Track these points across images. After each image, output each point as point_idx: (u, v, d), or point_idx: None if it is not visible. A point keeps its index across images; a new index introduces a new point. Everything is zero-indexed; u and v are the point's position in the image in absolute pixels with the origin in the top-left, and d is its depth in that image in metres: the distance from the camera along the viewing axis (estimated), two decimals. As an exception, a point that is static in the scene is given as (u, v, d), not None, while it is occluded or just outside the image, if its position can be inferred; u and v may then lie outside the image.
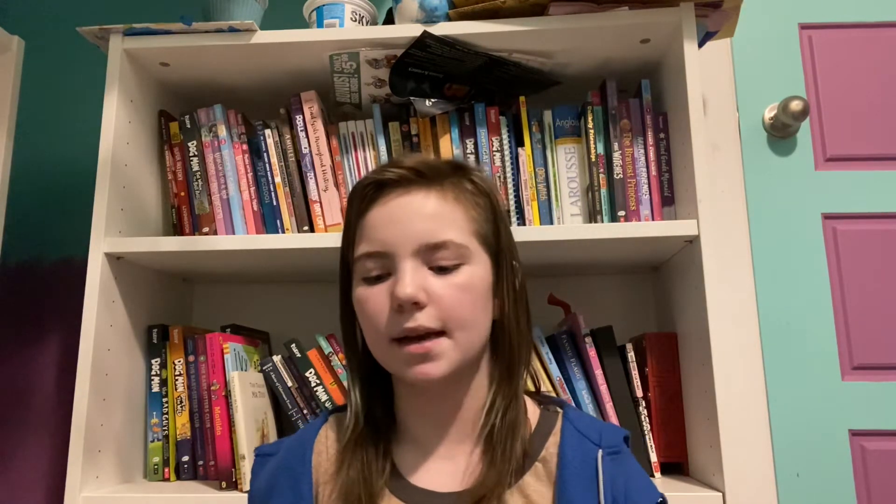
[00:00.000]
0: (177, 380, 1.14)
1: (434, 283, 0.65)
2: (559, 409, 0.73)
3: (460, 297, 0.65)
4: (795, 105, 1.27)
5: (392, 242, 0.65)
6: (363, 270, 0.67)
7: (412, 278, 0.64)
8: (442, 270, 0.65)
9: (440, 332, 0.64)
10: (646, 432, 1.06)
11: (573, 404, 1.06)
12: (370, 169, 1.14)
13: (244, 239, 1.07)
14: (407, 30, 1.08)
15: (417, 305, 0.63)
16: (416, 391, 0.70)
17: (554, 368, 1.06)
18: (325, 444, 0.72)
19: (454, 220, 0.67)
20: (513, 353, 0.70)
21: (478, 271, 0.67)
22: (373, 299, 0.66)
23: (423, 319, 0.63)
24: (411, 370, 0.65)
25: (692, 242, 1.03)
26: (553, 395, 1.05)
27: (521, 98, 1.14)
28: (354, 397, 0.72)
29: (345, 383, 1.07)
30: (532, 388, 0.77)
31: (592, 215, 1.11)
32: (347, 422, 0.71)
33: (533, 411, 0.73)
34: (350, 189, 1.12)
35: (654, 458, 1.06)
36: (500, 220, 0.72)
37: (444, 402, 0.70)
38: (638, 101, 1.12)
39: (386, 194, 0.68)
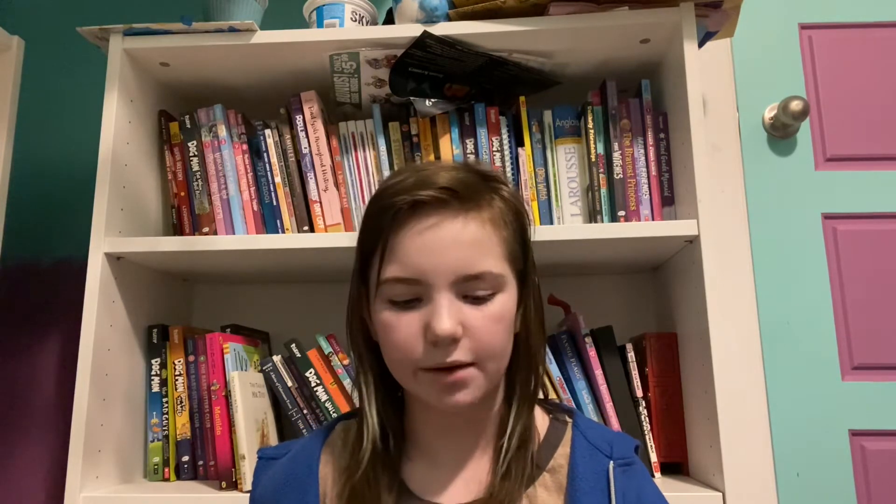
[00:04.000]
0: (177, 380, 1.14)
1: (469, 314, 0.63)
2: (568, 419, 0.72)
3: (495, 329, 0.64)
4: (795, 105, 1.27)
5: (428, 272, 0.62)
6: (391, 293, 0.64)
7: (450, 313, 0.61)
8: (476, 300, 0.63)
9: (472, 363, 0.63)
10: (646, 432, 1.06)
11: (573, 405, 1.06)
12: (370, 169, 1.14)
13: (244, 239, 1.07)
14: (407, 30, 1.08)
15: (454, 340, 0.62)
16: (433, 409, 0.68)
17: (554, 368, 1.06)
18: (333, 456, 0.71)
19: (491, 248, 0.64)
20: (531, 369, 0.69)
21: (508, 297, 0.65)
22: (402, 328, 0.63)
23: (459, 354, 0.62)
24: (442, 399, 0.63)
25: (692, 242, 1.03)
26: (553, 398, 1.05)
27: (521, 98, 1.14)
28: (371, 419, 0.69)
29: (345, 383, 1.07)
30: (540, 396, 0.76)
31: (592, 215, 1.11)
32: (365, 443, 0.68)
33: (541, 420, 0.72)
34: (348, 192, 1.13)
35: (654, 458, 1.06)
36: (528, 236, 0.70)
37: (463, 417, 0.68)
38: (638, 101, 1.12)
39: (420, 217, 0.64)
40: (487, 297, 0.64)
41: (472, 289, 0.63)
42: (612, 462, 0.67)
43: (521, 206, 0.70)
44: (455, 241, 0.63)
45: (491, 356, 0.64)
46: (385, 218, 0.65)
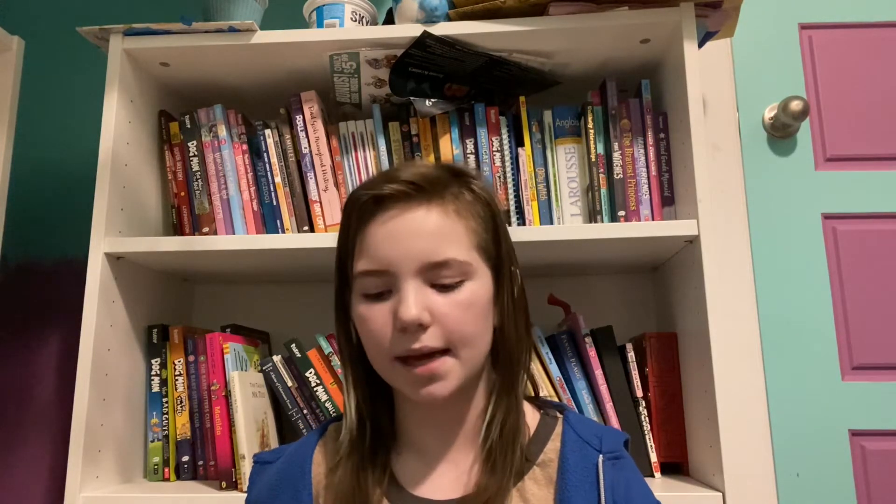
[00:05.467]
0: (177, 380, 1.14)
1: (437, 301, 0.64)
2: (559, 414, 0.73)
3: (464, 316, 0.64)
4: (795, 105, 1.27)
5: (393, 261, 0.64)
6: (363, 287, 0.66)
7: (416, 299, 0.63)
8: (444, 288, 0.64)
9: (444, 350, 0.64)
10: (646, 432, 1.06)
11: (573, 405, 1.06)
12: (370, 169, 1.14)
13: (244, 239, 1.07)
14: (407, 30, 1.08)
15: (422, 326, 0.63)
16: (417, 403, 0.69)
17: (554, 368, 1.06)
18: (325, 456, 0.72)
19: (456, 236, 0.66)
20: (513, 361, 0.70)
21: (480, 286, 0.66)
22: (374, 318, 0.65)
23: (428, 340, 0.63)
24: (417, 392, 0.64)
25: (692, 242, 1.03)
26: (553, 397, 1.05)
27: (521, 98, 1.14)
28: (349, 411, 0.70)
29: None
30: (531, 393, 0.77)
31: (592, 215, 1.11)
32: (343, 434, 0.70)
33: (532, 416, 0.73)
34: (348, 192, 1.13)
35: (654, 458, 1.06)
36: (500, 227, 0.71)
37: (446, 411, 0.69)
38: (638, 101, 1.12)
39: (385, 209, 0.66)
40: (455, 285, 0.65)
41: (438, 277, 0.64)
42: (601, 455, 0.67)
43: (492, 200, 0.71)
44: (418, 230, 0.65)
45: (462, 342, 0.64)
46: (353, 215, 0.68)
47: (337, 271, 0.72)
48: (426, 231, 0.65)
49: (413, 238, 0.64)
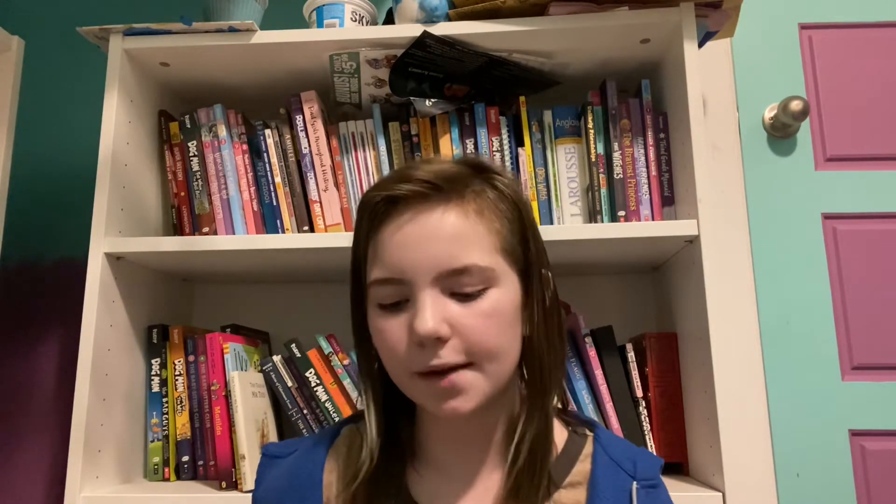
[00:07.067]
0: (177, 380, 1.14)
1: (457, 312, 0.58)
2: (588, 433, 0.68)
3: (486, 327, 0.59)
4: (795, 105, 1.27)
5: (408, 269, 0.59)
6: (378, 296, 0.61)
7: (433, 311, 0.57)
8: (465, 297, 0.59)
9: (467, 364, 0.59)
10: (646, 432, 1.06)
11: (573, 405, 1.06)
12: (370, 169, 1.14)
13: (244, 239, 1.07)
14: (407, 30, 1.08)
15: (440, 340, 0.58)
16: (440, 418, 0.64)
17: (554, 368, 1.06)
18: (338, 463, 0.67)
19: (477, 239, 0.60)
20: (543, 375, 0.63)
21: (505, 293, 0.61)
22: (391, 331, 0.60)
23: (448, 355, 0.58)
24: (439, 406, 0.59)
25: (692, 242, 1.03)
26: (577, 412, 1.04)
27: (521, 98, 1.14)
28: (371, 429, 0.65)
29: (345, 383, 1.08)
30: (559, 406, 0.71)
31: (592, 215, 1.11)
32: (363, 455, 0.64)
33: (560, 432, 0.67)
34: (348, 192, 1.13)
35: (654, 458, 1.06)
36: (529, 227, 0.65)
37: (471, 427, 0.64)
38: (638, 101, 1.12)
39: (400, 212, 0.61)
40: (477, 293, 0.59)
41: (458, 285, 0.59)
42: (635, 482, 0.62)
43: (519, 199, 0.65)
44: (433, 235, 0.59)
45: (487, 356, 0.59)
46: (365, 218, 0.64)
47: (352, 279, 0.67)
48: (443, 235, 0.59)
49: (428, 243, 0.59)
